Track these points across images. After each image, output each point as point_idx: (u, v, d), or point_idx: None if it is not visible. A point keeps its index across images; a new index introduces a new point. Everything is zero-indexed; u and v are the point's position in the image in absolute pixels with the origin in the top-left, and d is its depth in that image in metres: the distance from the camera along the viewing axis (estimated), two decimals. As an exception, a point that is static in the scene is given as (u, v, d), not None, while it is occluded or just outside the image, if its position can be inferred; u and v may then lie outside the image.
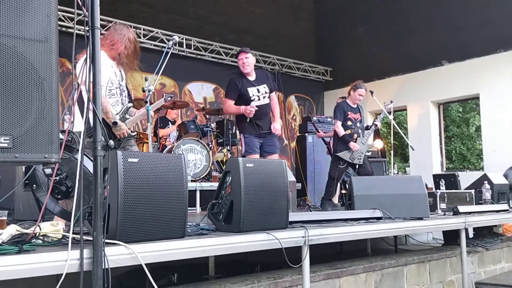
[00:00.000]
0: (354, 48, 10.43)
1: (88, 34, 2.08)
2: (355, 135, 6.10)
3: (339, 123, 6.11)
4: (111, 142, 2.12)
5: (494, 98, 8.30)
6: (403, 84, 9.56)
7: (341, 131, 6.06)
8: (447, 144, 11.65)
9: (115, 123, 3.44)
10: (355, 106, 6.27)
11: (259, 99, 4.87)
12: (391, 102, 6.87)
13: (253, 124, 4.86)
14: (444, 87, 8.93)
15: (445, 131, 10.05)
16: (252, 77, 4.92)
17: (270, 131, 4.95)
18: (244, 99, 4.83)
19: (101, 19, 2.18)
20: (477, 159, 14.96)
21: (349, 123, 6.12)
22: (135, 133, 3.84)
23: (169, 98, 3.98)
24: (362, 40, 10.27)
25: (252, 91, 4.84)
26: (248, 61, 4.90)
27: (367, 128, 6.32)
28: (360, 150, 5.99)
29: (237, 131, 5.40)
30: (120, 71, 3.77)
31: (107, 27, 7.63)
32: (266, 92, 4.92)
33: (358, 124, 6.18)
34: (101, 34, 2.51)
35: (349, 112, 6.15)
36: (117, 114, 3.59)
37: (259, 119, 4.89)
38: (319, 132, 7.36)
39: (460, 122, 16.34)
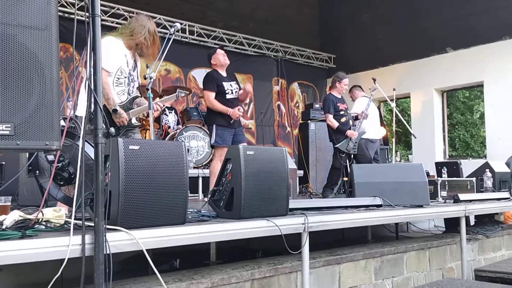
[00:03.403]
0: (358, 35, 10.36)
1: (88, 21, 2.08)
2: (350, 121, 6.22)
3: (330, 116, 6.24)
4: (112, 130, 2.14)
5: (498, 85, 8.25)
6: (406, 71, 9.51)
7: (335, 123, 6.21)
8: (450, 132, 11.60)
9: (115, 110, 3.46)
10: (340, 97, 6.42)
11: (231, 93, 5.08)
12: (394, 90, 6.87)
13: (226, 116, 4.99)
14: (448, 75, 8.88)
15: (448, 118, 10.00)
16: (224, 74, 5.18)
17: (238, 123, 5.16)
18: (219, 92, 5.02)
19: (103, 5, 2.19)
20: (481, 147, 14.92)
21: (342, 112, 6.25)
22: (139, 124, 3.85)
23: (182, 95, 3.96)
24: (366, 27, 10.20)
25: (226, 85, 5.07)
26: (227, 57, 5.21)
27: (356, 118, 6.39)
28: (354, 139, 6.10)
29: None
30: (134, 61, 3.77)
31: (109, 13, 7.61)
32: (237, 88, 5.17)
33: (348, 112, 6.31)
34: (103, 20, 2.51)
35: (338, 104, 6.30)
36: (121, 103, 3.60)
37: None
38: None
39: (464, 110, 16.25)
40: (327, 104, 6.30)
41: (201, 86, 8.99)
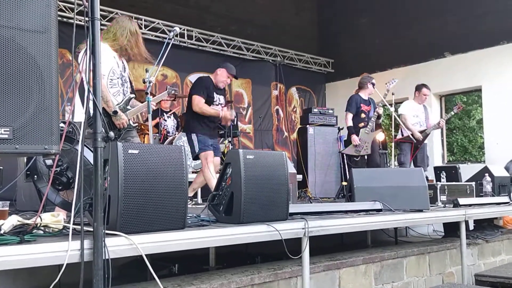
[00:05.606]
0: (356, 40, 10.38)
1: (88, 25, 2.07)
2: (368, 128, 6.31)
3: (349, 115, 6.33)
4: (111, 134, 2.13)
5: (496, 90, 8.26)
6: (405, 76, 9.50)
7: (349, 122, 6.29)
8: (448, 136, 11.63)
9: (115, 112, 3.46)
10: (366, 98, 6.51)
11: (218, 106, 5.09)
12: (392, 94, 6.89)
13: (208, 125, 5.03)
14: (446, 79, 8.89)
15: (446, 123, 10.01)
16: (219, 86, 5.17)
17: (216, 135, 5.29)
18: (207, 101, 4.97)
19: (102, 10, 2.18)
20: (479, 152, 14.95)
21: (363, 115, 6.38)
22: (136, 124, 3.85)
23: (172, 91, 3.98)
24: (364, 31, 10.22)
25: (217, 97, 5.06)
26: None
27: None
28: (363, 140, 6.16)
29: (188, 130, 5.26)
30: (122, 62, 3.78)
31: (108, 18, 7.60)
32: (223, 103, 5.18)
33: (369, 116, 6.38)
34: (102, 25, 2.50)
35: (362, 104, 6.42)
36: (118, 104, 3.60)
37: (214, 123, 5.13)
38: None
39: (462, 114, 16.30)
40: (350, 102, 6.40)
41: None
